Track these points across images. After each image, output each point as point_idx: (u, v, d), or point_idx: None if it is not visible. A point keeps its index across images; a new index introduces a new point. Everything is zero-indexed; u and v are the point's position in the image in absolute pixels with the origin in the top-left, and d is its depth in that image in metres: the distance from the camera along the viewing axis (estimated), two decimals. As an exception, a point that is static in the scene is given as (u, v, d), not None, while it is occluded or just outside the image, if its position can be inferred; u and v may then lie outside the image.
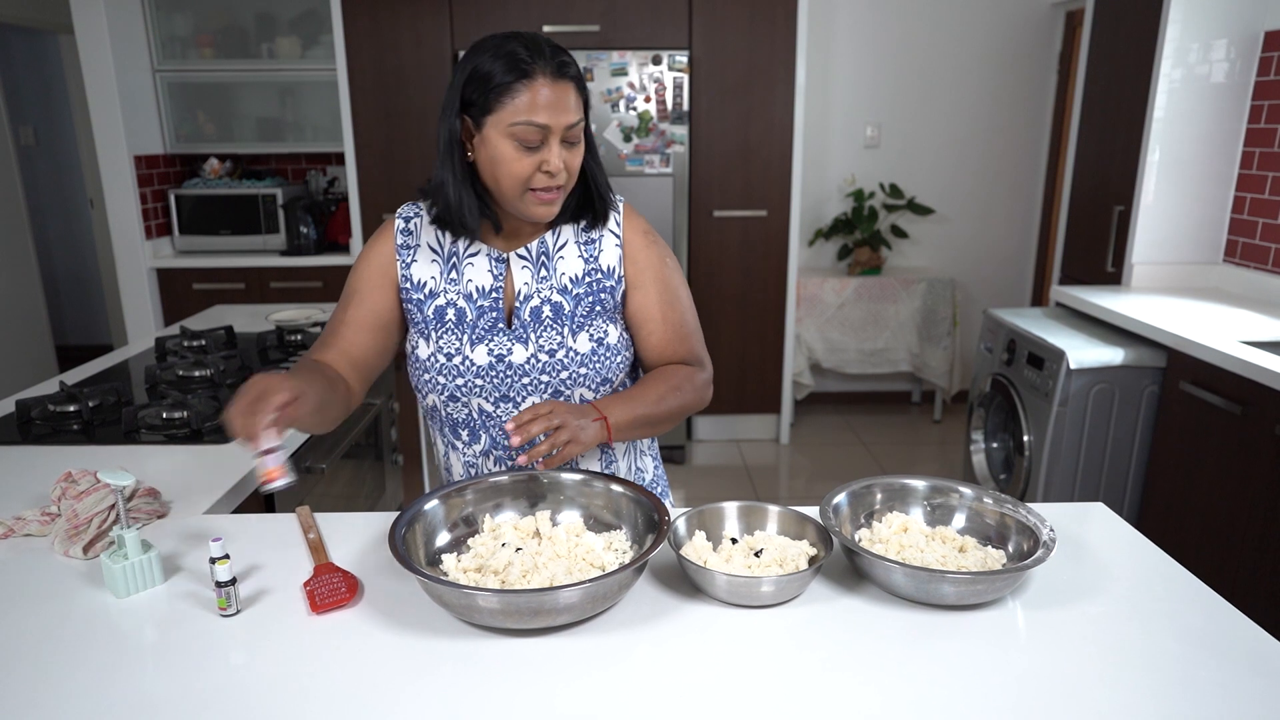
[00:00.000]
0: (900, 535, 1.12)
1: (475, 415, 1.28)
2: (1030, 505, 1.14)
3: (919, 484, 1.20)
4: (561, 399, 1.26)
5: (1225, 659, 0.91)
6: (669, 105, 3.53)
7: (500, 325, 1.25)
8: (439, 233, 1.27)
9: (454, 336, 1.25)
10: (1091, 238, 3.24)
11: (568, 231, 1.29)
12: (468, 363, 1.24)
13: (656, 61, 3.49)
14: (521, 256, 1.27)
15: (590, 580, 0.92)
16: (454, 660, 0.91)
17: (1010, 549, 1.10)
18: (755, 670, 0.90)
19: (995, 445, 2.94)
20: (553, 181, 1.17)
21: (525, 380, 1.25)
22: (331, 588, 1.02)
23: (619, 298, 1.29)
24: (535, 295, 1.26)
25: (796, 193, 3.75)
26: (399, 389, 2.57)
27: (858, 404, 4.61)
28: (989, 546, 1.11)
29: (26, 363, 4.49)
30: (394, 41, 3.56)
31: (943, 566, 1.05)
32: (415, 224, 1.29)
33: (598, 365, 1.26)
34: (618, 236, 1.29)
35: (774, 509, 1.14)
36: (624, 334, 1.31)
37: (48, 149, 5.36)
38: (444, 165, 1.20)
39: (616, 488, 1.16)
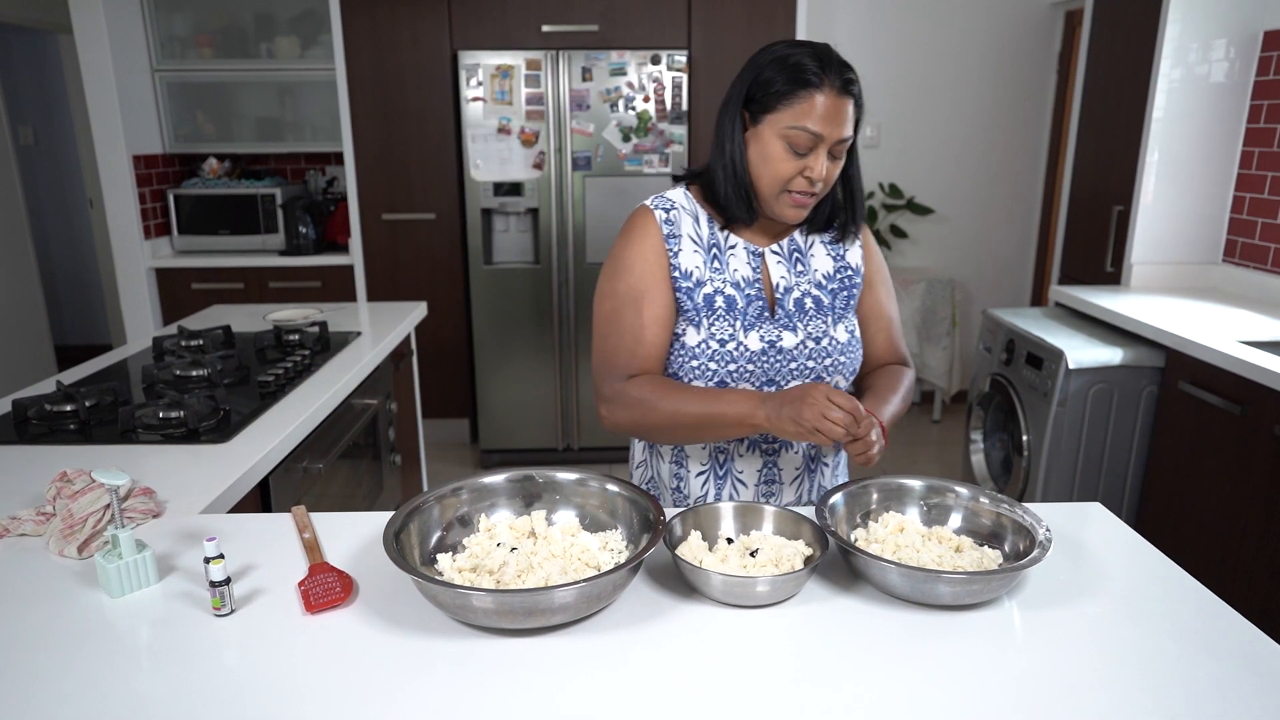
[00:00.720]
0: (896, 535, 1.12)
1: None
2: (1027, 505, 1.13)
3: (915, 484, 1.20)
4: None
5: (1222, 660, 0.90)
6: (668, 105, 3.53)
7: (765, 313, 1.31)
8: (696, 223, 1.32)
9: (725, 323, 1.29)
10: (1091, 238, 3.23)
11: (814, 234, 1.37)
12: (741, 348, 1.29)
13: (655, 61, 3.48)
14: (775, 252, 1.34)
15: (585, 580, 0.92)
16: (449, 660, 0.91)
17: (1007, 549, 1.10)
18: (751, 670, 0.89)
19: (994, 445, 2.94)
20: (810, 188, 1.23)
21: (793, 365, 1.30)
22: (326, 587, 1.02)
23: (859, 296, 1.39)
24: (795, 288, 1.33)
25: (796, 193, 3.74)
26: (397, 389, 2.57)
27: (857, 404, 4.60)
28: (985, 546, 1.11)
29: (25, 363, 4.49)
30: (393, 41, 3.56)
31: (939, 566, 1.04)
32: (674, 215, 1.32)
33: (852, 355, 1.35)
34: (858, 239, 1.39)
35: (770, 509, 1.14)
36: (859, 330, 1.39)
37: (47, 149, 5.36)
38: (718, 154, 1.27)
39: (612, 487, 1.16)
